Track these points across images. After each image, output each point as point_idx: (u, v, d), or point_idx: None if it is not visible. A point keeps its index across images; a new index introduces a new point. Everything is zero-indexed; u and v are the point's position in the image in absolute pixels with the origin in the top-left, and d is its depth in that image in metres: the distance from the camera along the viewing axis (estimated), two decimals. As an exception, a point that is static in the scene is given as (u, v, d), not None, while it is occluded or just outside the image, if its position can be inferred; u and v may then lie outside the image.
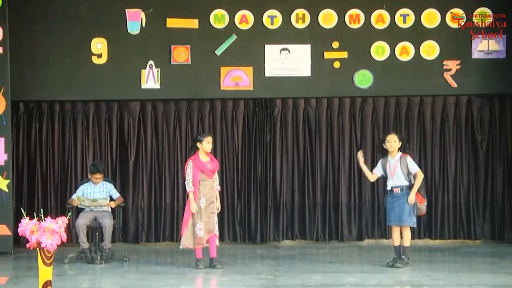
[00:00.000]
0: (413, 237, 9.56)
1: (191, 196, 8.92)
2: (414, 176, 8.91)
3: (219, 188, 9.24)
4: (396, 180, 8.92)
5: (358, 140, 11.35)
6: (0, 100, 10.31)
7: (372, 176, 9.23)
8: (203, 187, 8.96)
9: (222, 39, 11.05)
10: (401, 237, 9.01)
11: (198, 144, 9.04)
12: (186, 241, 9.00)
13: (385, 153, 9.09)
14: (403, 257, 8.95)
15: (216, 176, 9.15)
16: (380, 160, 9.24)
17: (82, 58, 10.99)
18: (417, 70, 11.05)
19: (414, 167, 8.93)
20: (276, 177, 11.32)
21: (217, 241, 9.08)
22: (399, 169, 8.90)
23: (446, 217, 11.25)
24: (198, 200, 8.93)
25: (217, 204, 9.11)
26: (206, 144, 9.03)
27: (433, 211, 11.12)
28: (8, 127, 10.42)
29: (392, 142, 9.00)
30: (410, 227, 9.00)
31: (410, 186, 8.88)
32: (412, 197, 8.83)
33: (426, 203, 9.04)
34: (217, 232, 9.07)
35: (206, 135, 9.18)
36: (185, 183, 9.04)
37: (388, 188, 9.01)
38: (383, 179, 9.38)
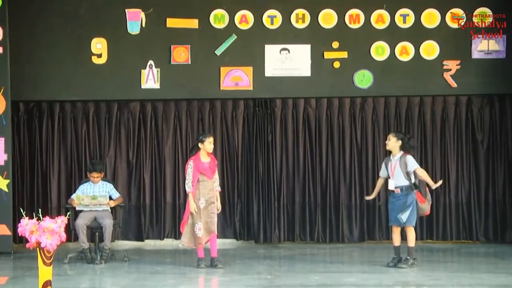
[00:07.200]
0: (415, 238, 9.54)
1: (190, 196, 8.93)
2: (415, 175, 8.86)
3: (219, 189, 9.23)
4: (396, 179, 8.90)
5: (358, 140, 11.35)
6: (0, 100, 10.32)
7: (380, 180, 9.22)
8: (202, 188, 8.97)
9: (222, 39, 11.06)
10: (405, 238, 9.00)
11: (200, 144, 9.05)
12: (186, 240, 9.02)
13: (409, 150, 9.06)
14: (408, 258, 8.92)
15: (216, 177, 9.15)
16: (384, 160, 9.25)
17: (82, 58, 11.00)
18: (417, 70, 11.06)
19: (413, 165, 8.85)
20: (276, 177, 11.32)
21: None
22: (398, 169, 8.88)
23: (448, 218, 11.24)
24: (198, 200, 8.94)
25: (218, 205, 9.11)
26: (208, 145, 9.03)
27: (434, 212, 11.10)
28: (8, 127, 10.43)
29: (388, 141, 9.02)
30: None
31: (410, 186, 8.85)
32: (431, 183, 8.84)
33: (429, 203, 9.01)
34: (216, 232, 9.07)
35: (208, 135, 9.18)
36: (185, 183, 9.06)
37: (390, 188, 9.00)
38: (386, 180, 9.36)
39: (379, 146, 11.24)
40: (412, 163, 8.87)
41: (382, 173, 9.19)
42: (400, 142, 8.97)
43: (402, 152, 8.96)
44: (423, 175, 8.87)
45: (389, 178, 8.99)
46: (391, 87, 11.17)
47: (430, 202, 9.06)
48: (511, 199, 11.25)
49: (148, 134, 11.37)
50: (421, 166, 9.66)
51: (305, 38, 11.08)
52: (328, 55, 11.07)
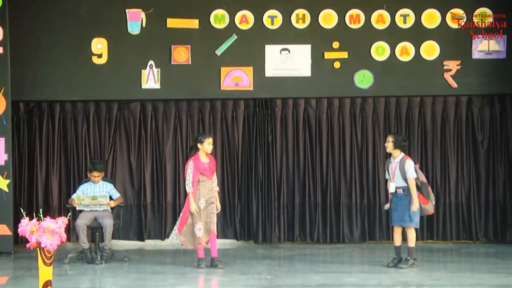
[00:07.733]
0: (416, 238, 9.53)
1: (190, 196, 8.93)
2: (417, 177, 8.83)
3: (217, 189, 9.25)
4: (397, 181, 8.89)
5: (358, 141, 11.35)
6: (0, 100, 10.32)
7: (388, 183, 9.17)
8: (202, 188, 8.98)
9: (222, 39, 11.06)
10: (405, 238, 9.00)
11: (198, 144, 9.05)
12: (184, 239, 9.03)
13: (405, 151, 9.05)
14: (408, 258, 8.91)
15: (214, 177, 9.17)
16: (386, 163, 9.24)
17: (82, 58, 11.00)
18: (418, 70, 11.05)
19: (408, 172, 8.79)
20: (276, 177, 11.31)
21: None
22: (398, 171, 8.87)
23: (448, 218, 11.24)
24: (198, 200, 8.95)
25: (217, 205, 9.12)
26: (207, 145, 9.04)
27: (434, 212, 11.05)
28: (8, 127, 10.43)
29: (387, 142, 9.01)
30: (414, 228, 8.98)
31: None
32: (415, 204, 8.75)
33: (433, 203, 8.99)
34: (216, 232, 9.08)
35: (207, 136, 9.18)
36: (185, 183, 9.06)
37: (390, 191, 8.99)
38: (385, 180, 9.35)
39: (379, 146, 11.24)
40: (408, 170, 8.78)
41: (387, 175, 9.16)
42: (401, 143, 8.94)
43: (402, 155, 8.95)
44: (411, 187, 8.80)
45: (391, 180, 8.98)
46: (392, 87, 11.17)
47: (434, 202, 9.05)
48: (511, 199, 11.25)
49: (148, 134, 11.37)
50: (421, 166, 9.66)
51: (306, 38, 11.08)
52: (328, 55, 11.07)
